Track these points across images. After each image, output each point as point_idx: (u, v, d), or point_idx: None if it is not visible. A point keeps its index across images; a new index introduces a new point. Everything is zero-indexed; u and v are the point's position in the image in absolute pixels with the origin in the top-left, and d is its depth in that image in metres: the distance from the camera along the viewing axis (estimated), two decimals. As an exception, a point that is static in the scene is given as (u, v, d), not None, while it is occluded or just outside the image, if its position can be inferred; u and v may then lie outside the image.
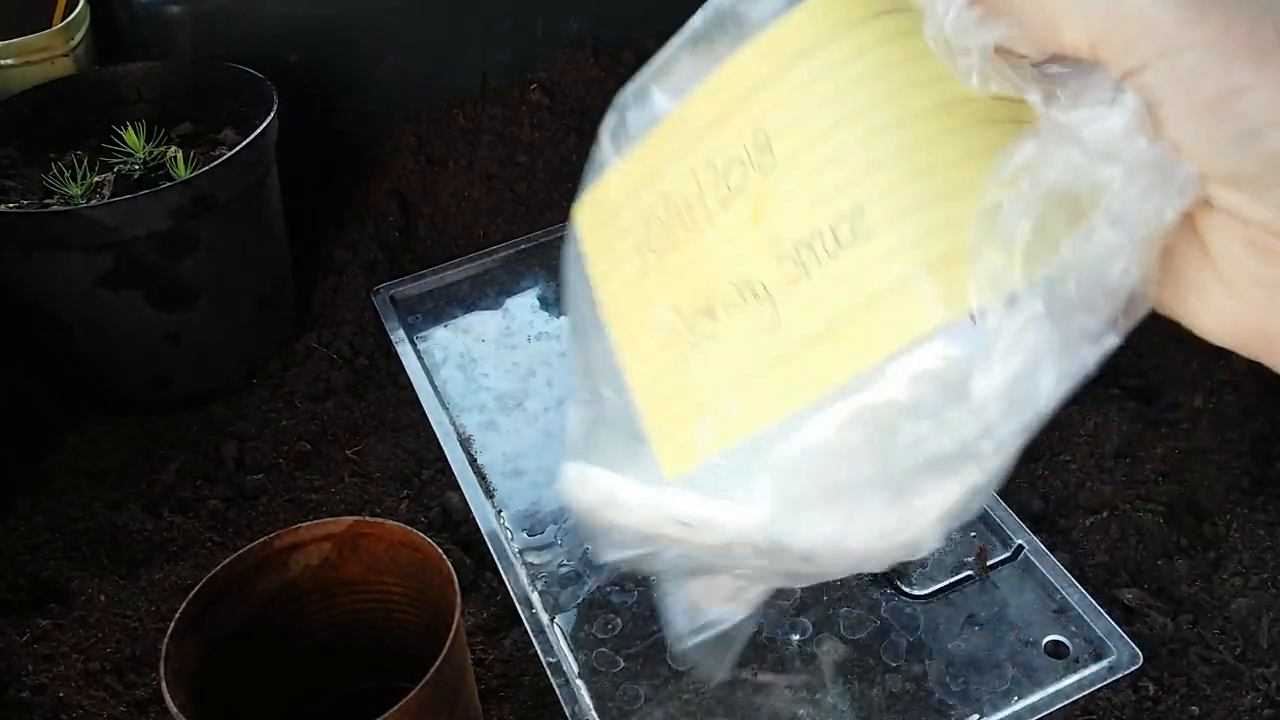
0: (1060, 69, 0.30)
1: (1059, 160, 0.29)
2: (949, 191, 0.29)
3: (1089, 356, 0.30)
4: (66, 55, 1.05)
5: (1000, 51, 0.30)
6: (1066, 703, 0.71)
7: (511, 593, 0.79)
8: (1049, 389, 0.29)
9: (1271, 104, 0.28)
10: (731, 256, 0.31)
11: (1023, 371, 0.29)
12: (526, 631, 0.77)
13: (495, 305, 1.07)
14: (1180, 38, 0.28)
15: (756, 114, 0.30)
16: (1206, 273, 0.31)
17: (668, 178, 0.32)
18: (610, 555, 0.39)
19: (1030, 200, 0.28)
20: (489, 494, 0.87)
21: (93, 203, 0.90)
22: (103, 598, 0.82)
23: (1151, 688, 0.73)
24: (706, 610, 0.39)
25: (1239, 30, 0.28)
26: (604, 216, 0.33)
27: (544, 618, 0.78)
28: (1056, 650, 0.74)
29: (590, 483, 0.39)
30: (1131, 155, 0.28)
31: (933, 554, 0.80)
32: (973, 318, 0.28)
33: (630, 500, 0.37)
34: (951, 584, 0.78)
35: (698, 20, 0.33)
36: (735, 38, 0.32)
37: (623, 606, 0.79)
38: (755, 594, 0.39)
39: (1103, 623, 0.75)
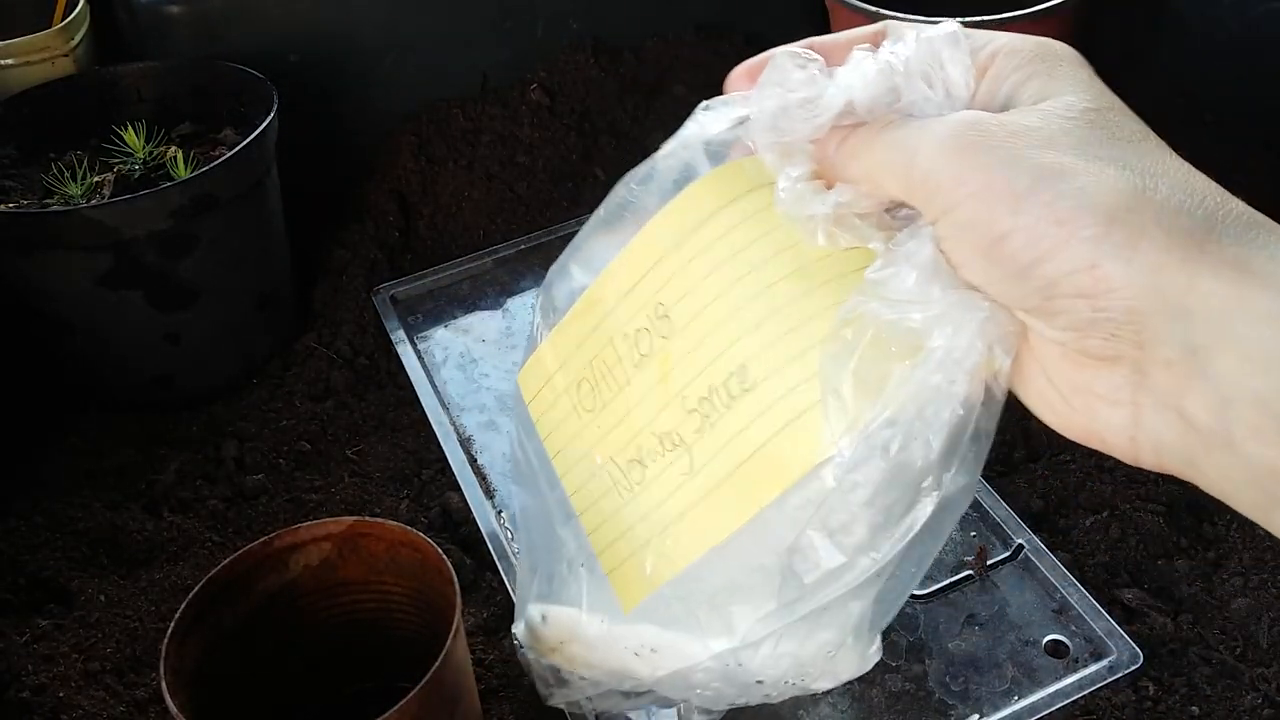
0: (909, 210, 0.35)
1: (874, 312, 0.33)
2: (810, 345, 0.34)
3: (932, 487, 0.34)
4: (66, 55, 1.05)
5: (846, 210, 0.34)
6: (1066, 702, 0.71)
7: (511, 593, 0.79)
8: (900, 510, 0.34)
9: (1033, 243, 0.31)
10: (650, 412, 0.37)
11: (871, 499, 0.34)
12: (526, 631, 0.77)
13: (495, 305, 1.07)
14: (955, 193, 0.32)
15: (655, 288, 0.36)
16: (1041, 379, 0.34)
17: (591, 346, 0.38)
18: (565, 699, 0.44)
19: (855, 347, 0.33)
20: (489, 494, 0.87)
21: (93, 203, 0.90)
22: (103, 598, 0.82)
23: (1151, 688, 0.73)
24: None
25: (998, 181, 0.32)
26: (542, 382, 0.38)
27: (544, 618, 0.78)
28: (1056, 650, 0.74)
29: (552, 620, 0.42)
30: (931, 301, 0.32)
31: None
32: (835, 457, 0.34)
33: (591, 634, 0.41)
34: (951, 584, 0.78)
35: (601, 210, 0.39)
36: (635, 221, 0.37)
37: (623, 606, 0.78)
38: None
39: (1103, 622, 0.75)
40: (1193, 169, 0.34)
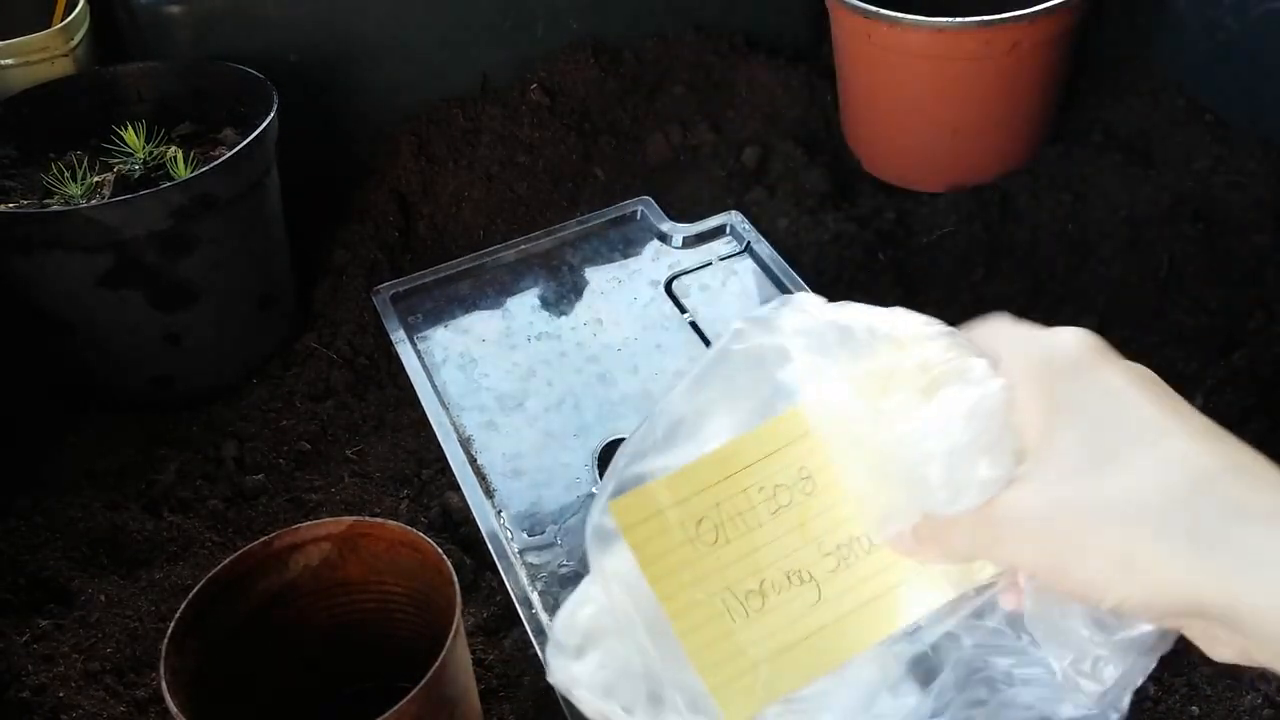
0: None
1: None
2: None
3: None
4: (66, 55, 1.05)
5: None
6: (1066, 703, 0.71)
7: (511, 593, 0.79)
8: None
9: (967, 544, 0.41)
10: (781, 551, 0.44)
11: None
12: (526, 631, 0.77)
13: (495, 305, 1.07)
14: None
15: (799, 455, 0.44)
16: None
17: (719, 491, 0.44)
18: None
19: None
20: (489, 494, 0.87)
21: (93, 203, 0.90)
22: (103, 598, 0.82)
23: (1151, 688, 0.73)
24: None
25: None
26: (649, 515, 0.43)
27: (544, 618, 0.78)
28: (1056, 650, 0.74)
29: None
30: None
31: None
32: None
33: None
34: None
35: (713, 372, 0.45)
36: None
37: (623, 606, 0.78)
38: None
39: (1103, 623, 0.75)
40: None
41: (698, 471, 0.44)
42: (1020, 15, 1.05)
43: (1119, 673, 0.41)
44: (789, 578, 0.44)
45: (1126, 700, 0.41)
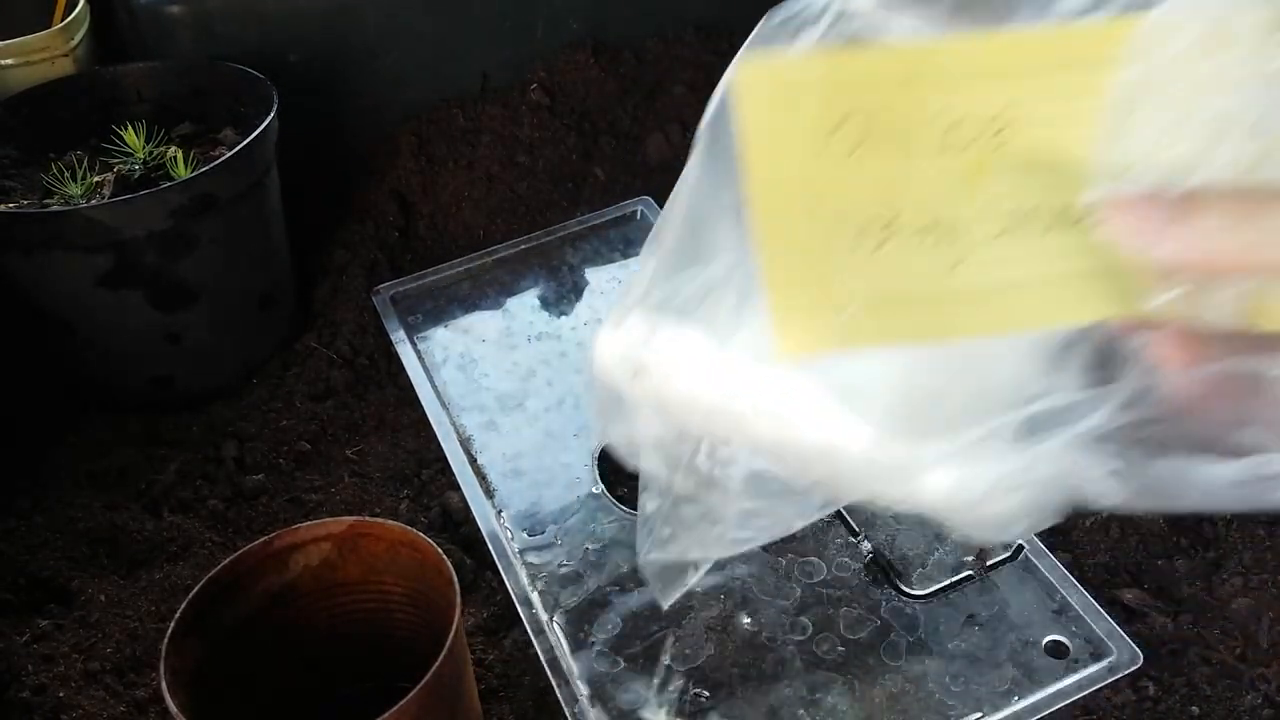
0: None
1: None
2: None
3: None
4: (66, 55, 1.05)
5: None
6: (1066, 702, 0.71)
7: (511, 593, 0.79)
8: None
9: None
10: (934, 194, 0.34)
11: None
12: (526, 631, 0.77)
13: (495, 305, 1.07)
14: None
15: (1001, 97, 0.33)
16: None
17: (885, 93, 0.33)
18: (621, 431, 0.38)
19: None
20: (489, 494, 0.87)
21: (93, 203, 0.90)
22: (103, 598, 0.82)
23: (1151, 688, 0.73)
24: (685, 549, 0.39)
25: None
26: (781, 96, 0.33)
27: (544, 618, 0.78)
28: (1056, 650, 0.74)
29: (656, 336, 0.36)
30: None
31: (933, 553, 0.80)
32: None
33: (705, 365, 0.35)
34: (951, 584, 0.78)
35: None
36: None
37: (622, 607, 0.79)
38: (743, 540, 0.39)
39: (1103, 623, 0.75)
40: None
41: (874, 60, 0.34)
42: (1020, 15, 1.05)
43: None
44: (929, 227, 0.34)
45: None
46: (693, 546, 0.40)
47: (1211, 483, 0.30)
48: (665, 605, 0.38)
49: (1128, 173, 0.31)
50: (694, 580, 0.40)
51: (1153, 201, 0.29)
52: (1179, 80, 0.30)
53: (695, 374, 0.36)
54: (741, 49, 0.33)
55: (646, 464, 0.37)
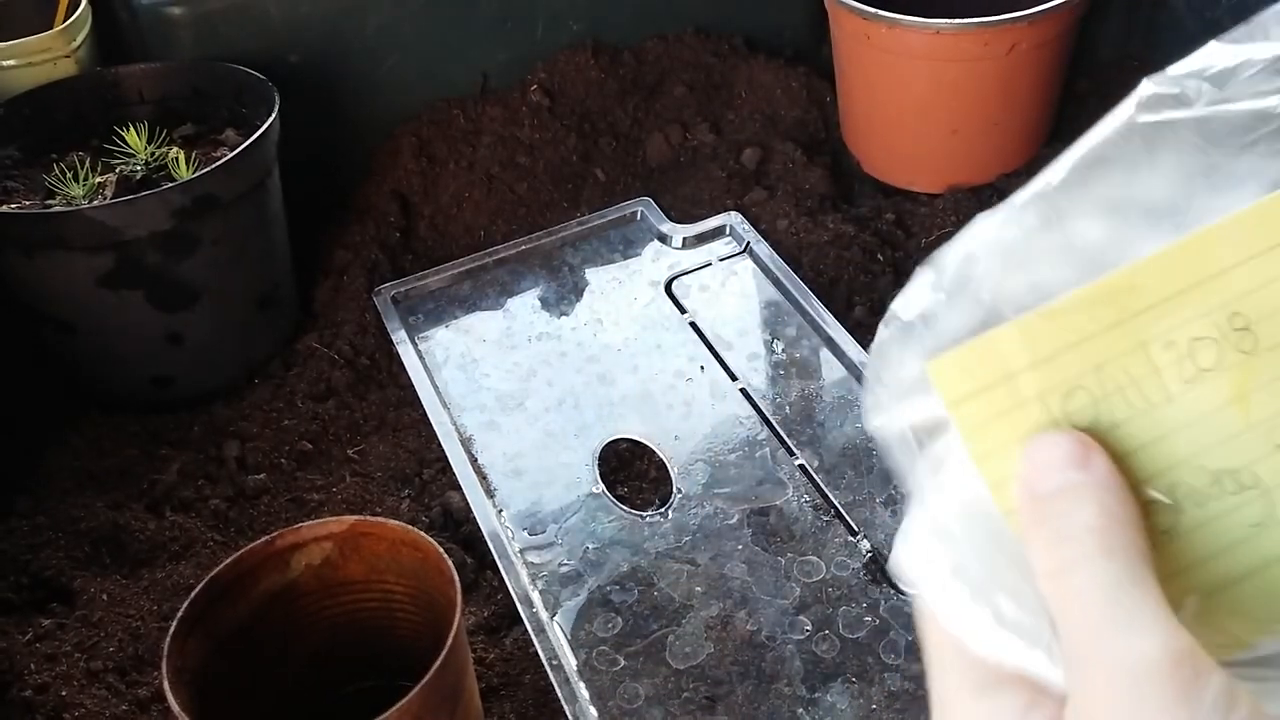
0: None
1: None
2: None
3: None
4: (68, 56, 1.05)
5: None
6: (1065, 701, 0.71)
7: (512, 592, 0.79)
8: None
9: None
10: (1205, 440, 0.29)
11: None
12: (527, 630, 0.77)
13: (496, 305, 1.07)
14: None
15: (1227, 296, 0.28)
16: None
17: (1104, 347, 0.29)
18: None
19: None
20: (489, 494, 0.88)
21: (94, 203, 0.90)
22: (105, 597, 0.83)
23: (1149, 686, 0.74)
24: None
25: None
26: (992, 379, 0.29)
27: (544, 617, 0.78)
28: (1055, 649, 0.75)
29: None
30: None
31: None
32: None
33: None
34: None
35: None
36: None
37: (623, 606, 0.79)
38: None
39: (1101, 622, 0.75)
40: None
41: (1069, 317, 0.29)
42: (1019, 16, 1.06)
43: None
44: (1218, 481, 0.28)
45: None
46: None
47: None
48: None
49: None
50: None
51: None
52: None
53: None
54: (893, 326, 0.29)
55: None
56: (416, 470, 0.93)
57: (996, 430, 0.29)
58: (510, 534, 0.84)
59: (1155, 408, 0.29)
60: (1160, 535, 0.28)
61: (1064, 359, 0.29)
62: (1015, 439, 0.29)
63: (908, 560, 0.29)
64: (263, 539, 0.67)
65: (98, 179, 0.94)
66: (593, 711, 0.72)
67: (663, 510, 0.85)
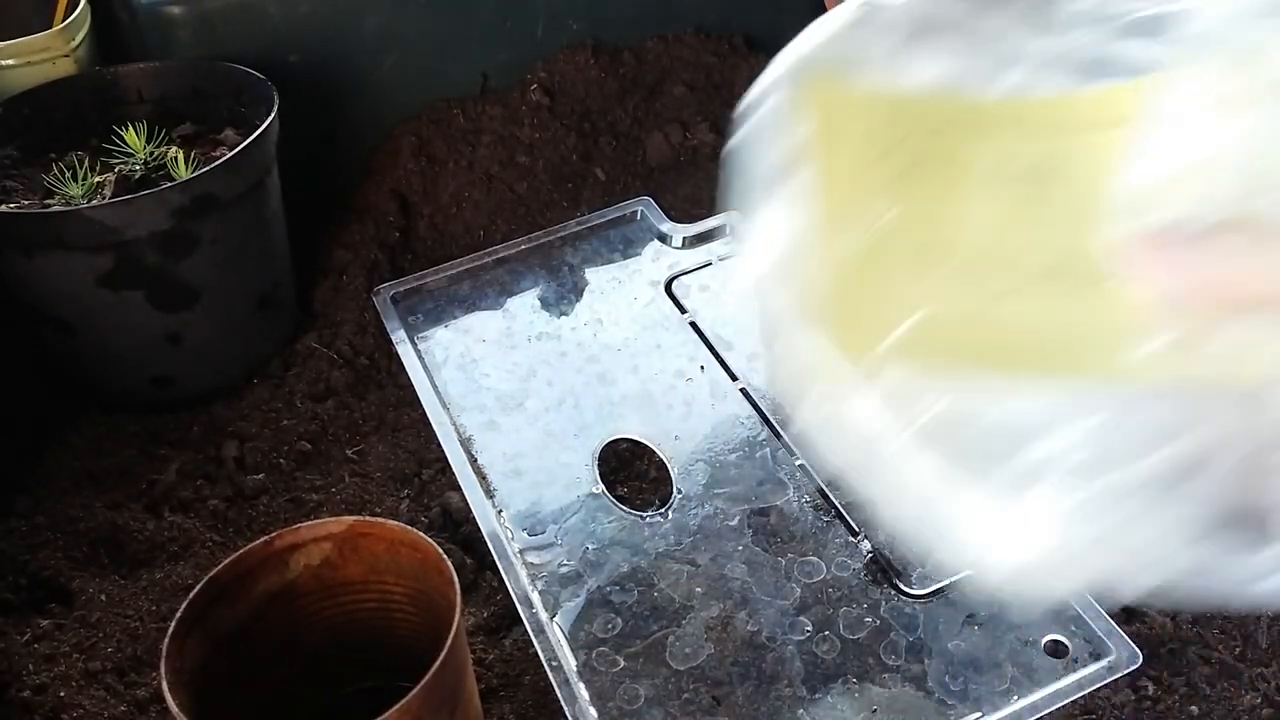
0: None
1: None
2: None
3: None
4: (67, 56, 1.05)
5: None
6: (1066, 702, 0.71)
7: (512, 592, 0.79)
8: None
9: None
10: (982, 226, 0.34)
11: None
12: (527, 631, 0.77)
13: (495, 305, 1.07)
14: None
15: (1046, 145, 0.33)
16: None
17: (929, 132, 0.34)
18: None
19: None
20: (489, 494, 0.87)
21: (94, 203, 0.90)
22: (103, 597, 0.82)
23: (1151, 687, 0.74)
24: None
25: None
26: (859, 120, 0.34)
27: (544, 617, 0.78)
28: (1056, 650, 0.74)
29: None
30: None
31: (933, 553, 0.80)
32: None
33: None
34: (951, 583, 0.78)
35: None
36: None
37: (623, 606, 0.79)
38: None
39: (1102, 622, 0.75)
40: None
41: (916, 101, 0.34)
42: (1020, 15, 1.05)
43: None
44: (979, 256, 0.34)
45: None
46: None
47: (1242, 572, 0.29)
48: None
49: (1147, 212, 0.31)
50: None
51: (1170, 235, 0.30)
52: (1189, 129, 0.31)
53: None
54: (785, 60, 0.34)
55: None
56: (416, 470, 0.93)
57: (825, 147, 0.34)
58: (510, 534, 0.84)
59: (957, 188, 0.34)
60: (926, 269, 0.34)
61: (896, 127, 0.34)
62: (840, 160, 0.34)
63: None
64: (261, 539, 0.66)
65: (96, 179, 0.94)
66: (592, 712, 0.72)
67: (663, 510, 0.85)
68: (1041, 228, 0.34)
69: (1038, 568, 0.32)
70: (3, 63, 1.02)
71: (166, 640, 0.61)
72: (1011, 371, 0.34)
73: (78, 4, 1.07)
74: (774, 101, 0.36)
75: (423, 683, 0.57)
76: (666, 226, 1.12)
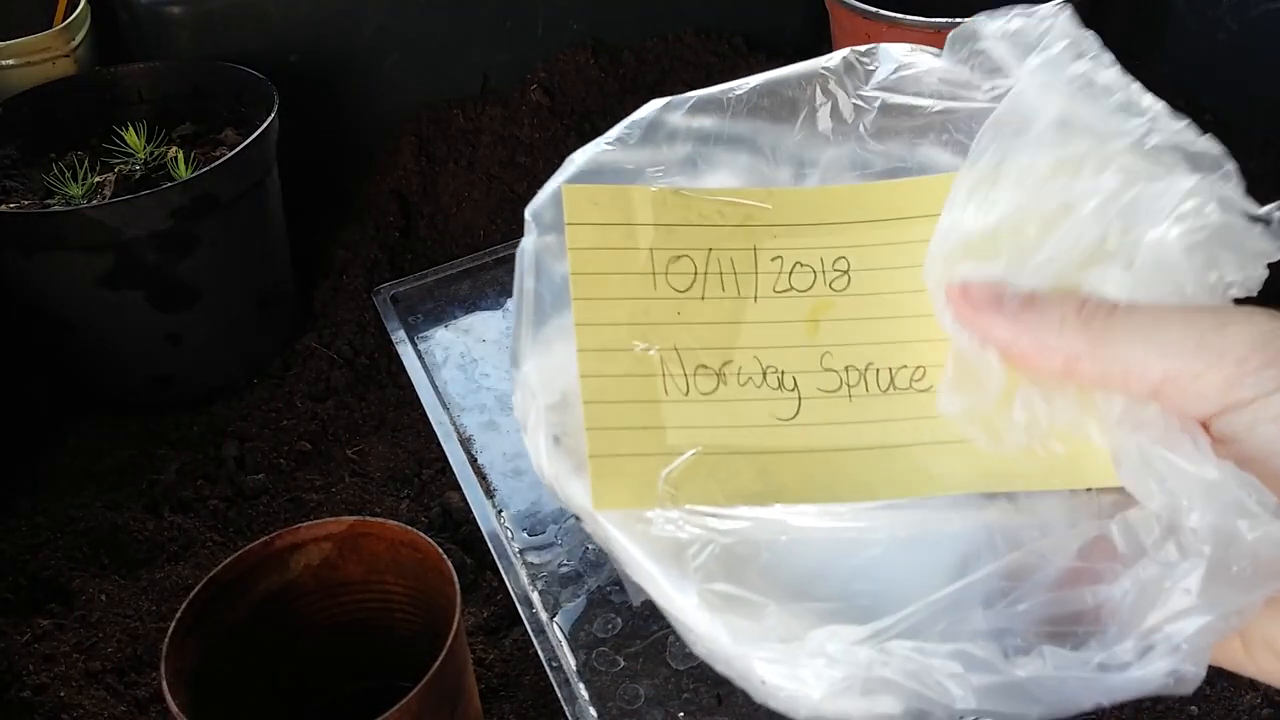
0: None
1: None
2: None
3: None
4: (67, 56, 1.05)
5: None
6: (1066, 702, 0.71)
7: (512, 592, 0.79)
8: None
9: None
10: (769, 339, 0.33)
11: None
12: (527, 631, 0.77)
13: (495, 305, 1.07)
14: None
15: (846, 241, 0.34)
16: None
17: (724, 238, 0.34)
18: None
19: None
20: (489, 494, 0.88)
21: (94, 203, 0.90)
22: (103, 597, 0.82)
23: (1151, 687, 0.73)
24: None
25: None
26: (615, 219, 0.34)
27: (544, 617, 0.78)
28: (1056, 650, 0.74)
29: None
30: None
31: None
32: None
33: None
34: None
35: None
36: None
37: (623, 606, 0.79)
38: None
39: (1102, 622, 0.75)
40: None
41: (702, 202, 0.34)
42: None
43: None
44: (764, 375, 0.33)
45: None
46: None
47: (1067, 674, 0.28)
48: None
49: (968, 264, 0.32)
50: None
51: (997, 290, 0.31)
52: (991, 214, 0.32)
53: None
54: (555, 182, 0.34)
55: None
56: (416, 470, 0.93)
57: (600, 259, 0.33)
58: (510, 534, 0.84)
59: (743, 301, 0.33)
60: (700, 396, 0.32)
61: (684, 231, 0.33)
62: (614, 273, 0.33)
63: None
64: (261, 539, 0.66)
65: (96, 178, 0.94)
66: (593, 712, 0.72)
67: (663, 510, 0.85)
68: (842, 337, 0.33)
69: (836, 702, 0.30)
70: (3, 63, 1.02)
71: (166, 640, 0.61)
72: (798, 498, 0.32)
73: (78, 4, 1.07)
74: (551, 215, 0.37)
75: (423, 682, 0.57)
76: (666, 226, 1.12)
